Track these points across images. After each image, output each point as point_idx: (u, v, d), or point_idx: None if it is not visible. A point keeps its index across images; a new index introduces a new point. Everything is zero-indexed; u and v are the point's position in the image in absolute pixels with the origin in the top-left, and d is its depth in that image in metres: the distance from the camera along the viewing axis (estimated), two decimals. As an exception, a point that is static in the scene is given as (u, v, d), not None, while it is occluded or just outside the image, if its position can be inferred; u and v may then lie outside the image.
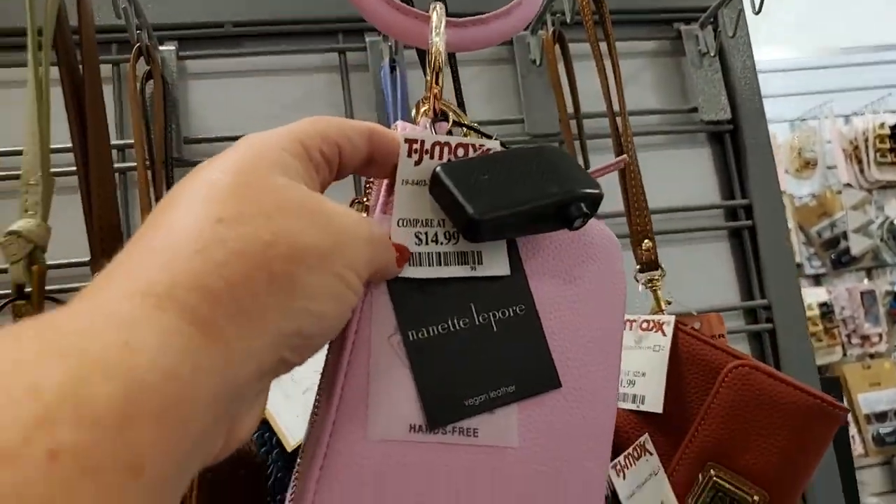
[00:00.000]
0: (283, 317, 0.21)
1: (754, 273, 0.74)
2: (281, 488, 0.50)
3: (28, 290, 0.34)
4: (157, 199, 0.59)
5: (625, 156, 0.36)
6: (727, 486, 0.50)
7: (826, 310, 2.16)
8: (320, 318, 0.22)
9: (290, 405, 0.53)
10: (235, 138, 0.72)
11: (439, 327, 0.28)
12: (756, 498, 0.49)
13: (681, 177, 0.76)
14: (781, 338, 0.72)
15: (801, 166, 2.28)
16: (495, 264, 0.30)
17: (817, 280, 2.31)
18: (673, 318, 0.53)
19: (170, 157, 0.63)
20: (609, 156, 0.67)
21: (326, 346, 0.27)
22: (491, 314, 0.29)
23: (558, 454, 0.30)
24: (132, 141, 0.59)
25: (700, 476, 0.51)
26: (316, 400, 0.28)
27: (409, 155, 0.28)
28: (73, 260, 0.56)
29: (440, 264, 0.28)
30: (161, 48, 0.67)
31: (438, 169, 0.28)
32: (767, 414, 0.50)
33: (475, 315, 0.29)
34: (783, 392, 0.49)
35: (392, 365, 0.27)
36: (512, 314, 0.30)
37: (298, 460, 0.27)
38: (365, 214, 0.29)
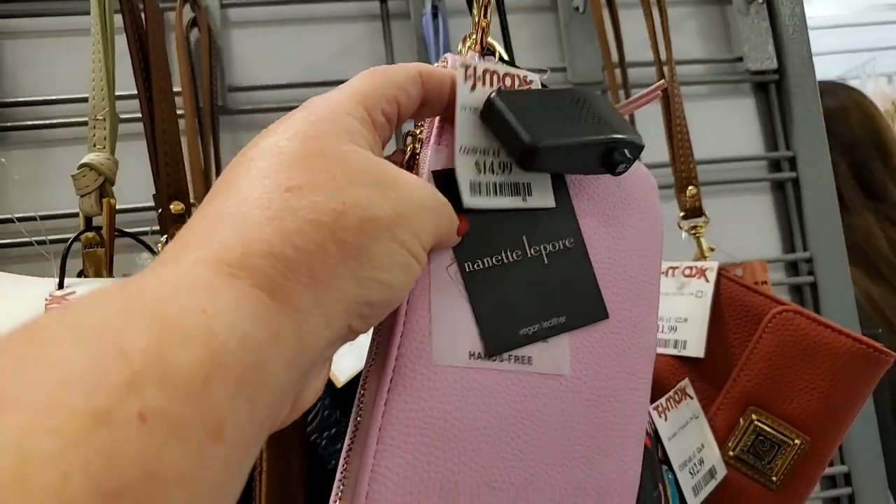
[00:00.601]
0: (354, 285, 0.21)
1: (797, 225, 0.73)
2: (326, 426, 0.52)
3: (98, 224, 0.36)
4: (205, 148, 0.60)
5: (662, 81, 0.37)
6: (768, 429, 0.51)
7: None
8: (388, 287, 0.22)
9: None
10: (278, 87, 0.72)
11: (493, 259, 0.29)
12: (797, 441, 0.50)
13: (723, 128, 0.75)
14: (823, 291, 0.72)
15: (840, 127, 2.22)
16: (542, 197, 0.30)
17: (853, 243, 2.27)
18: (716, 264, 0.53)
19: (215, 106, 0.64)
20: (652, 105, 0.67)
21: None
22: (542, 247, 0.30)
23: (606, 382, 0.31)
24: (178, 89, 0.60)
25: (741, 420, 0.51)
26: (375, 334, 0.29)
27: (465, 80, 0.29)
28: (139, 205, 0.58)
29: (496, 194, 0.29)
30: (205, -4, 0.67)
31: (493, 96, 0.28)
32: (811, 359, 0.50)
33: (527, 247, 0.30)
34: (828, 337, 0.50)
35: (451, 294, 0.28)
36: (561, 247, 0.30)
37: (360, 391, 0.28)
38: (419, 147, 0.30)
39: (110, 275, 0.36)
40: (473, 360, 0.28)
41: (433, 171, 0.28)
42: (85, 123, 0.64)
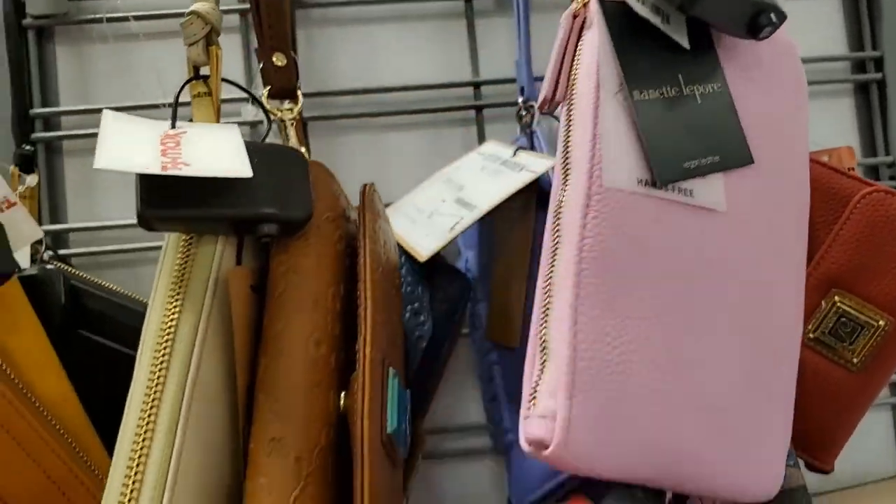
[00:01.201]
0: None
1: (880, 129, 0.71)
2: (409, 300, 0.53)
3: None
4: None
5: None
6: (852, 311, 0.50)
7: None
8: None
9: (416, 227, 0.55)
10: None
11: (657, 91, 0.30)
12: (882, 323, 0.50)
13: (804, 27, 0.72)
14: (903, 196, 0.70)
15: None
16: (679, 32, 0.31)
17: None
18: (803, 147, 0.52)
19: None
20: None
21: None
22: (695, 87, 0.32)
23: (761, 222, 0.32)
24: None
25: (823, 303, 0.51)
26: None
27: None
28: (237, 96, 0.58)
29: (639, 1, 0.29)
30: None
31: None
32: (901, 240, 0.49)
33: (682, 85, 0.31)
34: (921, 218, 0.48)
35: (619, 120, 0.29)
36: (711, 90, 0.32)
37: (555, 219, 0.29)
38: None
39: (217, 121, 0.37)
40: (641, 187, 0.29)
41: (601, 2, 0.29)
42: (166, 16, 0.66)
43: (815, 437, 0.52)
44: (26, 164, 0.59)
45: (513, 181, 0.49)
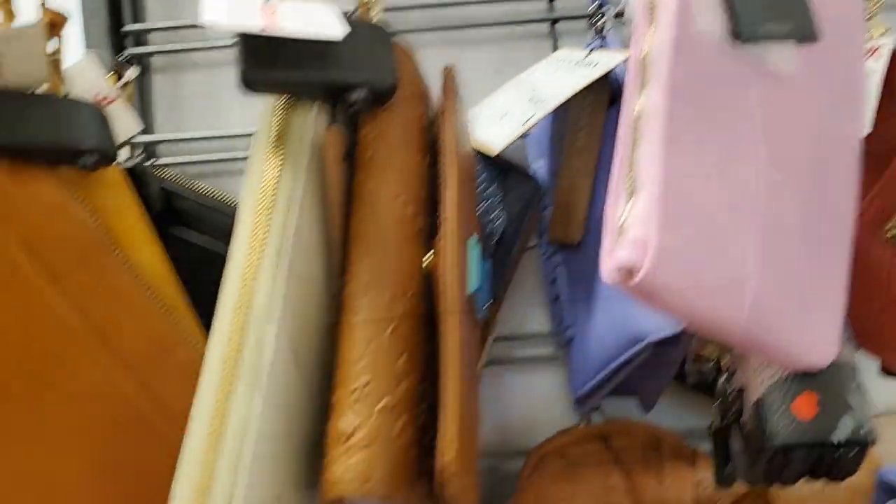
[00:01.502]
0: None
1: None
2: (481, 199, 0.55)
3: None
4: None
5: None
6: (936, 207, 0.49)
7: None
8: None
9: (490, 127, 0.56)
10: None
11: None
12: (964, 223, 0.48)
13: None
14: None
15: None
16: None
17: None
18: (890, 40, 0.51)
19: None
20: None
21: None
22: None
23: (822, 95, 0.33)
24: None
25: (901, 205, 0.50)
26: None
27: None
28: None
29: None
30: None
31: None
32: None
33: None
34: None
35: None
36: None
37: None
38: None
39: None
40: (725, 39, 0.30)
41: None
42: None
43: (893, 338, 0.52)
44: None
45: (586, 75, 0.50)
